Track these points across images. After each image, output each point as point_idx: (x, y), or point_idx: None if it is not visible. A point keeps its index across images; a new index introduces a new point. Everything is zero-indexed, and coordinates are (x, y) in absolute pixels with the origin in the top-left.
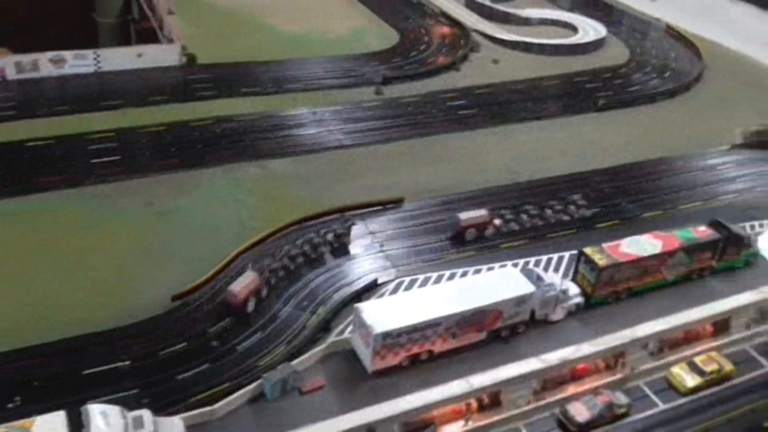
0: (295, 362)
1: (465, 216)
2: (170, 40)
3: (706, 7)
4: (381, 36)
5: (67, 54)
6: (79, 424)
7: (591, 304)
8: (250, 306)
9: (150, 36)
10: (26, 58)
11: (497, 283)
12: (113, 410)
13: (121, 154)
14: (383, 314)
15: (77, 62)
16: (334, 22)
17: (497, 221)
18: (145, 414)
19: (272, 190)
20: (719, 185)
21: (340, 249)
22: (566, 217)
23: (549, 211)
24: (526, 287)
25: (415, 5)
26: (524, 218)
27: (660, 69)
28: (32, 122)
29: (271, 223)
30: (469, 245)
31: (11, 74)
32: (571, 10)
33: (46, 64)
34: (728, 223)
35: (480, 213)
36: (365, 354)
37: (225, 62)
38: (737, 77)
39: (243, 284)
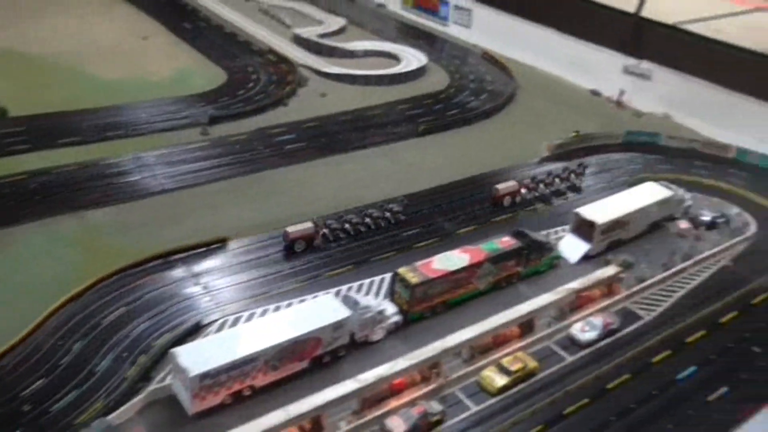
0: (111, 416)
1: (501, 186)
2: None
3: (517, 32)
4: (207, 76)
5: None
6: None
7: (410, 320)
8: (298, 247)
9: None
10: None
11: (313, 312)
12: None
13: None
14: (199, 356)
15: None
16: (157, 65)
17: (523, 190)
18: None
19: (92, 241)
20: (528, 195)
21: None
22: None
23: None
24: (341, 312)
25: (241, 43)
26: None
27: (477, 92)
28: None
29: (91, 275)
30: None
31: None
32: (395, 40)
33: None
34: (529, 232)
35: (512, 183)
36: (185, 397)
37: (41, 113)
38: (546, 95)
39: (297, 228)
